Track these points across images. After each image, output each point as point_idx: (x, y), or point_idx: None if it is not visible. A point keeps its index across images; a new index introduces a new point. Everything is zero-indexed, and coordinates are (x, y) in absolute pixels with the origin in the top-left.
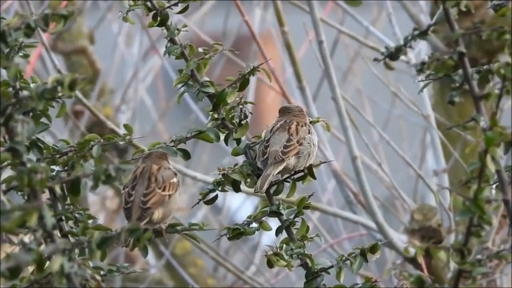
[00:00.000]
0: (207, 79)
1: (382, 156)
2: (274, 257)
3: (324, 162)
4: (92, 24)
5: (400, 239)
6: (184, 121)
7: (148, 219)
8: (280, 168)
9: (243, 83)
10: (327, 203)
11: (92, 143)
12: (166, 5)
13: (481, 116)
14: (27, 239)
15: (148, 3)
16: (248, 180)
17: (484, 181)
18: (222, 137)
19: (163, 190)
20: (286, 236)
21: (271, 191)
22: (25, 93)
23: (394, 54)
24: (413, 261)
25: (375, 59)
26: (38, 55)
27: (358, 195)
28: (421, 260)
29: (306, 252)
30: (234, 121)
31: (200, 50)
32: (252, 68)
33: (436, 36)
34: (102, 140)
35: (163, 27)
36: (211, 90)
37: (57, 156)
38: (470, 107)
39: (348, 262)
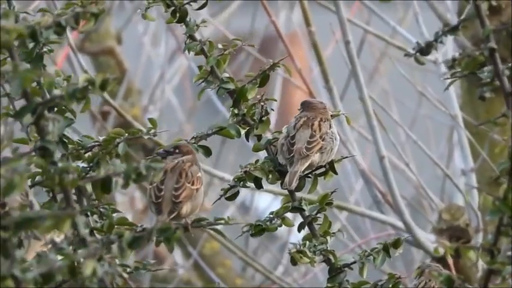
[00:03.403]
0: (228, 75)
1: (409, 156)
2: (297, 254)
3: (346, 157)
4: (118, 25)
5: (428, 238)
6: (211, 121)
7: (177, 213)
8: (307, 164)
9: (263, 79)
10: (354, 202)
11: (117, 140)
12: (185, 1)
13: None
14: (57, 238)
15: (167, 0)
16: (270, 176)
17: None
18: (243, 133)
19: (192, 184)
20: (308, 232)
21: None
22: (56, 92)
23: (424, 50)
24: (441, 260)
25: (406, 54)
26: (65, 56)
27: (386, 195)
28: (450, 259)
29: (328, 248)
30: (255, 117)
31: (220, 46)
32: (272, 63)
33: (463, 35)
34: (127, 135)
35: (182, 24)
36: (231, 86)
37: (82, 151)
38: (498, 106)
39: (370, 258)
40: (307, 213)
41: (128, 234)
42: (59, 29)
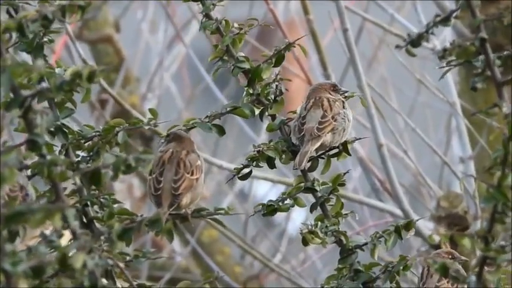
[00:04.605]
0: (243, 54)
1: (407, 144)
2: (309, 235)
3: (359, 138)
4: (116, 13)
5: (426, 226)
6: (210, 109)
7: (177, 204)
8: (318, 144)
9: (278, 59)
10: (353, 190)
11: (117, 129)
12: None
13: (504, 102)
14: (48, 231)
15: None
16: (283, 156)
17: (507, 168)
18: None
19: (192, 174)
20: (320, 213)
21: (306, 168)
22: (44, 85)
23: (416, 41)
24: (438, 248)
25: (397, 46)
26: (63, 44)
27: (384, 183)
28: (446, 247)
29: (340, 229)
30: (269, 97)
31: (235, 25)
32: (287, 43)
33: (461, 23)
34: (127, 125)
35: (199, 2)
36: (246, 65)
37: (83, 141)
38: (496, 94)
39: (382, 239)
40: (319, 193)
41: (118, 226)
42: (46, 22)
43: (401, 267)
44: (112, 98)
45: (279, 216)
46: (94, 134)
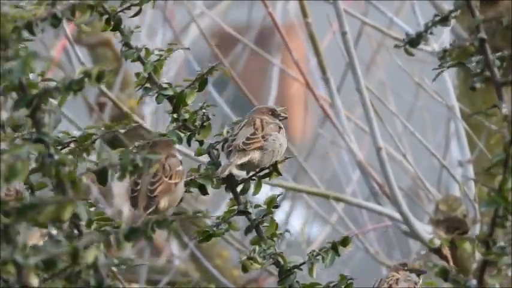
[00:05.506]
0: (166, 81)
1: (406, 147)
2: (248, 261)
3: (289, 157)
4: None
5: (424, 229)
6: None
7: (155, 207)
8: (245, 159)
9: (201, 83)
10: (351, 194)
11: (94, 136)
12: (119, 9)
13: (503, 103)
14: (54, 230)
15: (100, 9)
16: (215, 182)
17: (508, 171)
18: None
19: (170, 178)
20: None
21: (238, 190)
22: (52, 84)
23: (414, 41)
24: (438, 251)
25: (396, 46)
26: (62, 47)
27: (383, 186)
28: (446, 250)
29: (277, 250)
30: (196, 123)
31: (156, 52)
32: (210, 67)
33: (460, 26)
34: (104, 129)
35: (117, 31)
36: (170, 92)
37: (59, 148)
38: (496, 97)
39: (319, 257)
40: (253, 216)
41: (125, 226)
42: (55, 20)
43: (343, 287)
44: (111, 101)
45: (277, 220)
46: (70, 140)
